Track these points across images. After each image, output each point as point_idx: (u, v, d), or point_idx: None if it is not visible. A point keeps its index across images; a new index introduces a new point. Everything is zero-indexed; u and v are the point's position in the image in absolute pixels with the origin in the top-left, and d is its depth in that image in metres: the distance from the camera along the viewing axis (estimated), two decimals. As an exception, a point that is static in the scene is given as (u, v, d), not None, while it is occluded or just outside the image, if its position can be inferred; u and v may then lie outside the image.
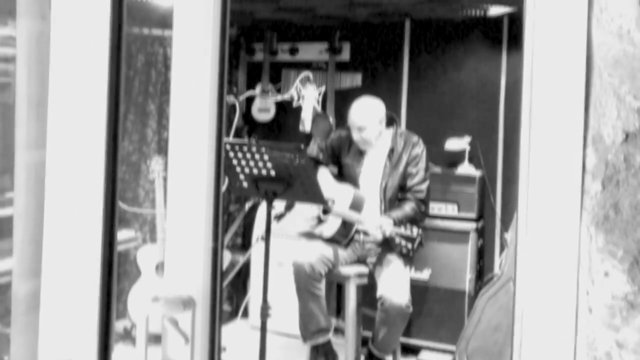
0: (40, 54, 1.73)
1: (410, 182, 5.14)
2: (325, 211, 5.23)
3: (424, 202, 5.16)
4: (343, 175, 5.41)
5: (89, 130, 1.69)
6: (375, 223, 4.86)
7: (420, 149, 5.21)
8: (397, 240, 4.69)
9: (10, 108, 1.79)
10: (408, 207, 5.02)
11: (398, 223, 4.78)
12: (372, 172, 5.24)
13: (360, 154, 5.34)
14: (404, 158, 5.18)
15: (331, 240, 5.25)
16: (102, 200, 1.70)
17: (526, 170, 1.65)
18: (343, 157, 5.41)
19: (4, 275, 4.44)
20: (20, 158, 1.79)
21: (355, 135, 5.19)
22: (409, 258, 5.20)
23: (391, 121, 5.32)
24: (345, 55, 6.96)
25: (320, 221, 5.32)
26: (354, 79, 6.94)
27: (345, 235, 5.24)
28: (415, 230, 4.76)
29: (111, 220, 1.72)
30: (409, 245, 4.67)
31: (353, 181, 5.30)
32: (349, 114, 5.23)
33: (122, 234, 6.20)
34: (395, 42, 6.83)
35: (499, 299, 5.07)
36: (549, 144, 1.62)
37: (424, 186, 5.17)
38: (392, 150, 5.21)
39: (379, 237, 4.81)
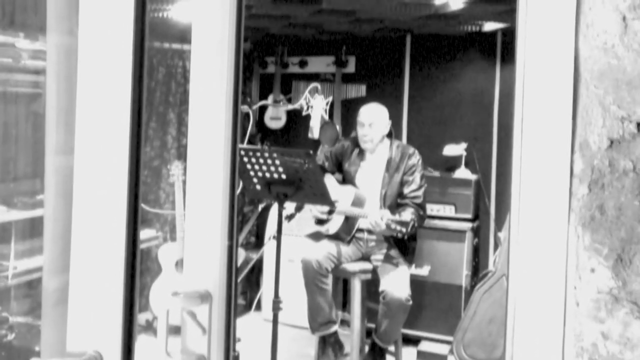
0: (69, 67, 1.74)
1: (407, 190, 5.16)
2: (331, 211, 5.25)
3: (421, 206, 5.18)
4: (346, 182, 5.43)
5: (114, 137, 1.70)
6: (376, 214, 4.89)
7: (416, 159, 5.23)
8: (393, 226, 4.70)
9: (41, 117, 1.79)
10: (408, 213, 5.01)
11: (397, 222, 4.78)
12: (372, 181, 5.27)
13: (361, 162, 5.37)
14: (401, 168, 5.20)
15: (335, 237, 5.26)
16: (126, 201, 1.70)
17: (518, 174, 1.65)
18: (345, 165, 5.44)
19: (36, 271, 4.46)
20: (50, 163, 1.79)
21: (361, 131, 5.22)
22: (408, 254, 5.21)
23: (389, 134, 5.35)
24: (351, 67, 6.98)
25: (319, 222, 5.34)
26: (359, 90, 6.95)
27: (348, 231, 5.26)
28: (409, 216, 4.80)
29: (134, 221, 1.72)
30: (403, 230, 4.69)
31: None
32: (359, 114, 5.28)
33: (144, 233, 6.21)
34: (397, 56, 6.84)
35: (493, 293, 5.07)
36: (540, 150, 1.61)
37: (421, 192, 5.19)
38: (389, 161, 5.23)
39: (382, 226, 4.81)
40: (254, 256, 6.80)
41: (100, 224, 1.71)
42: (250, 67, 7.34)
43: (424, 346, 5.86)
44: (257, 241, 7.22)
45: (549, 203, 1.61)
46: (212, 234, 1.88)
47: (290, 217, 5.01)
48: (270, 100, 7.13)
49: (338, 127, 6.74)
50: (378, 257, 5.26)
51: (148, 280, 6.13)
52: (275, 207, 6.32)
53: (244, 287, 6.93)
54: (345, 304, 5.85)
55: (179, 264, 5.76)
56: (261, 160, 4.10)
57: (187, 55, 6.48)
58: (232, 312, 1.90)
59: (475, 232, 6.11)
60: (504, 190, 6.33)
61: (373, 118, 5.21)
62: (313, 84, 6.88)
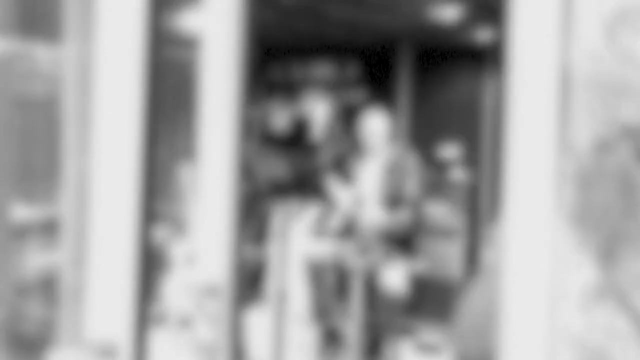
0: (85, 74, 1.74)
1: (405, 190, 5.17)
2: (333, 210, 5.26)
3: (418, 205, 5.19)
4: (347, 182, 5.44)
5: (127, 139, 1.70)
6: (376, 213, 4.90)
7: (414, 161, 5.24)
8: (393, 225, 4.72)
9: (60, 121, 1.80)
10: (406, 212, 5.02)
11: (396, 224, 4.79)
12: (373, 181, 5.28)
13: (363, 165, 5.37)
14: (399, 170, 5.21)
15: (337, 234, 5.27)
16: (139, 199, 1.71)
17: (510, 175, 1.65)
18: (347, 166, 5.45)
19: (54, 265, 4.46)
20: (67, 164, 1.79)
21: (369, 140, 5.22)
22: (406, 250, 5.21)
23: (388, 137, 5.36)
24: (352, 74, 6.98)
25: (328, 219, 5.35)
26: (360, 95, 6.96)
27: (349, 229, 5.26)
28: (407, 216, 4.82)
29: (147, 218, 1.72)
30: (402, 229, 4.71)
31: (356, 189, 5.33)
32: (366, 125, 5.26)
33: (156, 229, 6.21)
34: (395, 64, 6.84)
35: (485, 287, 5.06)
36: (530, 151, 1.61)
37: (418, 192, 5.20)
38: (389, 163, 5.24)
39: (382, 224, 4.83)
40: (261, 252, 6.80)
41: (114, 221, 1.71)
42: (257, 74, 7.35)
43: (421, 337, 5.86)
44: (264, 237, 7.22)
45: (538, 201, 1.61)
46: (221, 230, 1.88)
47: (295, 214, 5.00)
48: (276, 105, 7.14)
49: (340, 130, 6.75)
50: (377, 253, 5.27)
51: (160, 274, 6.14)
52: (280, 204, 6.32)
53: (251, 281, 6.93)
54: (345, 298, 5.85)
55: (190, 258, 5.76)
56: (267, 161, 4.11)
57: (199, 62, 6.50)
58: (239, 304, 1.90)
59: (469, 229, 6.12)
60: (496, 190, 6.33)
61: (380, 129, 5.21)
62: (316, 90, 6.89)
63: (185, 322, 1.83)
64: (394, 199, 5.19)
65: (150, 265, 1.78)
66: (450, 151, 6.21)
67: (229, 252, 1.88)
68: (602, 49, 1.56)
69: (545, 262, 1.61)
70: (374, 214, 4.91)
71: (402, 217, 4.81)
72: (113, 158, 1.71)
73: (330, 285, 5.15)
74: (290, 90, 7.26)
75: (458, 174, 6.19)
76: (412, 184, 5.17)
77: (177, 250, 6.18)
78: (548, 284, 1.61)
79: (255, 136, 6.75)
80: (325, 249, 5.11)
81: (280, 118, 7.14)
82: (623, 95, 1.53)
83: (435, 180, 6.14)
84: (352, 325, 5.12)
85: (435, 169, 6.33)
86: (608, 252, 1.54)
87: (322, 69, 7.13)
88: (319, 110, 6.71)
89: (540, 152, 1.61)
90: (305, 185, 4.14)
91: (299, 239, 5.94)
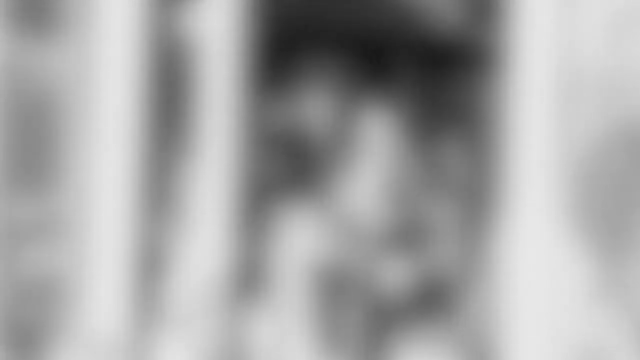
0: (85, 73, 1.74)
1: (406, 190, 5.17)
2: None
3: (418, 205, 5.19)
4: (347, 182, 5.43)
5: (125, 139, 1.70)
6: (375, 213, 4.90)
7: (414, 161, 5.23)
8: (392, 225, 4.71)
9: (60, 120, 1.80)
10: (404, 213, 5.03)
11: None
12: (373, 182, 5.27)
13: (362, 165, 5.37)
14: (400, 170, 5.21)
15: (338, 234, 5.27)
16: (139, 199, 1.71)
17: (510, 175, 1.65)
18: (347, 166, 5.45)
19: (56, 262, 4.46)
20: (65, 162, 1.80)
21: (366, 138, 5.22)
22: (406, 248, 5.21)
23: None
24: (352, 74, 6.97)
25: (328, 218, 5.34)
26: (359, 96, 6.95)
27: (349, 229, 5.26)
28: (405, 216, 4.81)
29: (147, 217, 1.73)
30: (402, 228, 4.70)
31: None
32: (362, 121, 5.26)
33: (155, 226, 6.21)
34: (395, 64, 6.84)
35: (487, 286, 5.07)
36: (532, 152, 1.62)
37: (418, 192, 5.19)
38: (389, 163, 5.24)
39: (378, 223, 4.83)
40: (261, 251, 6.79)
41: (113, 219, 1.72)
42: (257, 73, 7.35)
43: (422, 337, 5.85)
44: (265, 237, 7.22)
45: (541, 201, 1.61)
46: (221, 229, 1.88)
47: (295, 214, 5.00)
48: (275, 104, 7.14)
49: (340, 130, 6.75)
50: (377, 252, 5.27)
51: (161, 273, 6.14)
52: (281, 204, 6.31)
53: (251, 280, 6.93)
54: (345, 297, 5.85)
55: (189, 254, 5.76)
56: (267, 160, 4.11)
57: (200, 61, 6.49)
58: (239, 304, 1.90)
59: (470, 228, 6.11)
60: (496, 189, 6.33)
61: (380, 128, 5.21)
62: (316, 89, 6.88)
63: (185, 322, 1.83)
64: (394, 199, 5.19)
65: (151, 265, 1.79)
66: (450, 150, 6.21)
67: (229, 251, 1.89)
68: (603, 50, 1.57)
69: (546, 261, 1.61)
70: (374, 214, 4.91)
71: (402, 217, 4.80)
72: (113, 157, 1.71)
73: (330, 284, 5.14)
74: (288, 89, 7.25)
75: (458, 173, 6.19)
76: (412, 183, 5.17)
77: (178, 249, 6.18)
78: (548, 283, 1.61)
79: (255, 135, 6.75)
80: (325, 248, 5.11)
81: (279, 117, 7.14)
82: (623, 95, 1.54)
83: (435, 179, 6.13)
84: (352, 325, 5.12)
85: (435, 167, 6.33)
86: (608, 252, 1.55)
87: (321, 69, 7.13)
88: (317, 110, 6.71)
89: (544, 153, 1.62)
90: (304, 184, 4.14)
91: (299, 238, 5.95)
